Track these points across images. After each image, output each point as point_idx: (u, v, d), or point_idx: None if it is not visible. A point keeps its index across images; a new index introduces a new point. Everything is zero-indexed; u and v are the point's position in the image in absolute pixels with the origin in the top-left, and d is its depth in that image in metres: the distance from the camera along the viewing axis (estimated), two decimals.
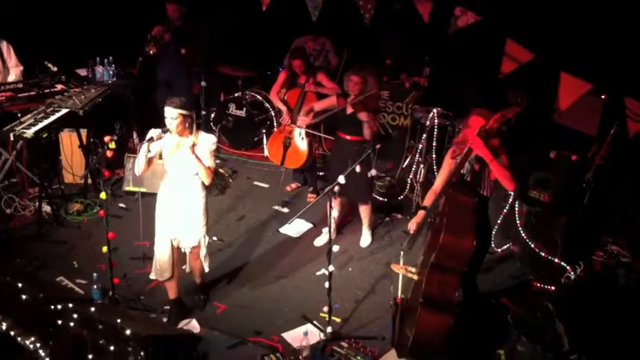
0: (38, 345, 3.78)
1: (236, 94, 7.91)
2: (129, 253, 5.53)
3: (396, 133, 7.39)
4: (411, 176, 6.69)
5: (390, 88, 7.39)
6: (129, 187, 6.49)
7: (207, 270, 4.90)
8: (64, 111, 6.01)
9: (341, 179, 4.33)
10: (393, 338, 4.44)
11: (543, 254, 5.44)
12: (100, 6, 7.77)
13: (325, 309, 4.68)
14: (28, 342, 3.79)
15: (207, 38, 7.99)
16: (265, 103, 7.78)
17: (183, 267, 4.85)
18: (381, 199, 6.68)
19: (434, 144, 6.48)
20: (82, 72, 7.30)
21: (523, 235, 5.61)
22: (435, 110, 6.53)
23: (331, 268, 4.54)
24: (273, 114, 7.66)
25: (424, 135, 6.58)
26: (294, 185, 7.00)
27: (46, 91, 6.38)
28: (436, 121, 6.50)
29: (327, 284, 4.58)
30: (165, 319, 4.79)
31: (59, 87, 6.53)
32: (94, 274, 4.95)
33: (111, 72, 7.24)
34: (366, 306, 5.11)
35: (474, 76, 7.04)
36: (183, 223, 4.56)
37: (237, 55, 8.31)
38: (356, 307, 5.09)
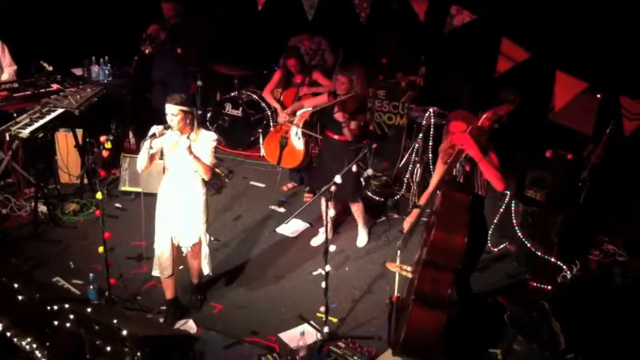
0: (34, 346, 3.77)
1: (232, 94, 7.90)
2: (125, 254, 5.52)
3: (392, 132, 7.39)
4: (407, 176, 6.70)
5: (386, 87, 7.38)
6: (125, 187, 6.49)
7: (210, 273, 4.90)
8: (59, 111, 5.99)
9: (337, 179, 4.33)
10: (389, 337, 4.44)
11: (539, 253, 5.44)
12: (96, 5, 7.75)
13: (322, 309, 4.68)
14: (24, 343, 3.78)
15: (203, 37, 7.98)
16: (261, 103, 7.78)
17: (181, 267, 4.85)
18: (377, 198, 6.68)
19: (430, 143, 6.48)
20: (78, 71, 7.28)
21: (519, 234, 5.61)
22: (431, 109, 6.53)
23: (328, 267, 4.54)
24: (269, 113, 7.65)
25: (420, 134, 6.59)
26: (290, 185, 6.99)
27: (42, 90, 6.37)
28: (432, 120, 6.50)
29: (323, 284, 4.59)
30: (161, 320, 4.78)
31: (55, 86, 6.52)
32: (91, 275, 4.94)
33: (106, 71, 7.22)
34: (362, 306, 5.11)
35: (469, 75, 7.06)
36: (184, 220, 4.57)
37: (234, 54, 8.29)
38: (353, 307, 5.08)
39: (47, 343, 3.78)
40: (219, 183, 6.93)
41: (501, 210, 5.83)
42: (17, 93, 6.24)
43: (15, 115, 5.87)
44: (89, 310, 4.01)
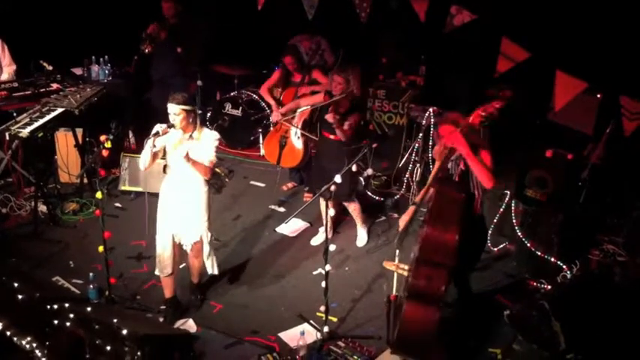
0: (34, 345, 3.76)
1: (232, 93, 7.90)
2: (125, 253, 5.52)
3: (392, 132, 7.40)
4: (407, 175, 6.70)
5: (386, 86, 7.39)
6: (125, 187, 6.49)
7: (216, 272, 4.88)
8: (59, 110, 5.99)
9: (337, 179, 4.33)
10: (387, 336, 4.44)
11: (539, 253, 5.44)
12: (95, 4, 7.75)
13: (322, 308, 4.68)
14: (24, 342, 3.77)
15: (202, 37, 7.96)
16: (261, 103, 7.77)
17: (182, 266, 4.85)
18: (377, 198, 6.68)
19: (430, 143, 6.49)
20: (78, 71, 7.28)
21: (519, 234, 5.61)
22: (431, 109, 6.53)
23: (328, 267, 4.54)
24: (269, 113, 7.65)
25: (420, 134, 6.59)
26: (290, 184, 6.99)
27: (42, 90, 6.36)
28: (432, 119, 6.51)
29: (323, 284, 4.58)
30: (161, 319, 4.78)
31: (55, 86, 6.51)
32: (90, 274, 4.95)
33: (106, 71, 7.22)
34: (362, 305, 5.10)
35: (469, 74, 7.05)
36: (185, 218, 4.57)
37: (234, 54, 8.30)
38: (353, 306, 5.08)
39: (47, 343, 3.78)
40: (219, 182, 6.91)
41: (501, 210, 5.83)
42: (17, 92, 6.24)
43: (15, 114, 5.86)
44: (89, 309, 4.02)
